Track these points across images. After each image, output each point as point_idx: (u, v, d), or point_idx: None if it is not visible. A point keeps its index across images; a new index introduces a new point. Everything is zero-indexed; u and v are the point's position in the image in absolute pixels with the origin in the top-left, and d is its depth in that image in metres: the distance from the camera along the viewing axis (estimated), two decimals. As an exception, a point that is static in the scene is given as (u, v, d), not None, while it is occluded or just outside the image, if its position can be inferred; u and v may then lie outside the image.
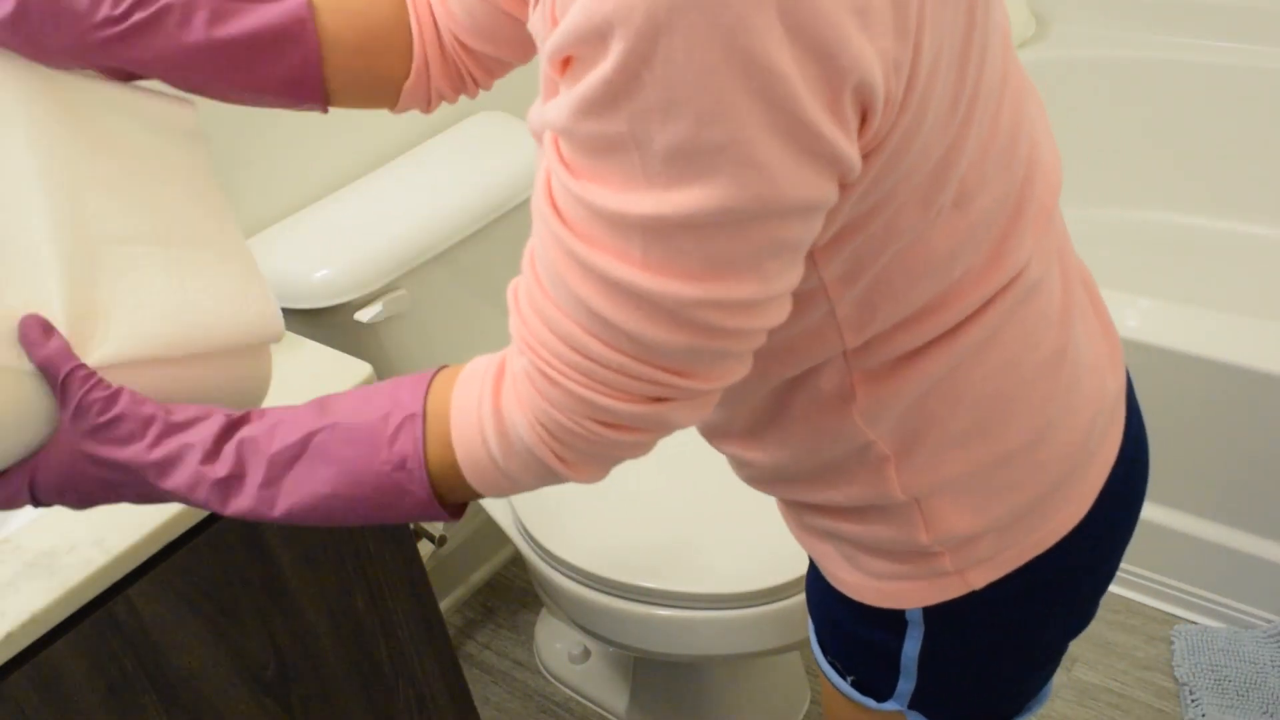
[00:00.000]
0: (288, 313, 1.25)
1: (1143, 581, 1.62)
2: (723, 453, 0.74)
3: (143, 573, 0.77)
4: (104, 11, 0.63)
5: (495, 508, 1.45)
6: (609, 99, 0.44)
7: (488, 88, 0.80)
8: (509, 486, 0.58)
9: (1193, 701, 1.47)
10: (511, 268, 1.43)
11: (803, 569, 1.22)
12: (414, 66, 0.74)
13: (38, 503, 0.62)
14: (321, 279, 1.24)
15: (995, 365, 0.63)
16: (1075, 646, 1.58)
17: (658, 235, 0.46)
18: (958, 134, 0.53)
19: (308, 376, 0.90)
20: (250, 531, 0.84)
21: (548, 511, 1.36)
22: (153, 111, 0.70)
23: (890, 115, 0.48)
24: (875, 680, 0.77)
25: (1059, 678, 1.54)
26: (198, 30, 0.66)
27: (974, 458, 0.65)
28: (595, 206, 0.47)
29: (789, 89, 0.43)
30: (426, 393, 0.58)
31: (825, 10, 0.42)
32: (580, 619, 1.34)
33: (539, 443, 0.54)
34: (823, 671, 0.82)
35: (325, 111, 0.73)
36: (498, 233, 1.39)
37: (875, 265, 0.56)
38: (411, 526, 1.02)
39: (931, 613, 0.71)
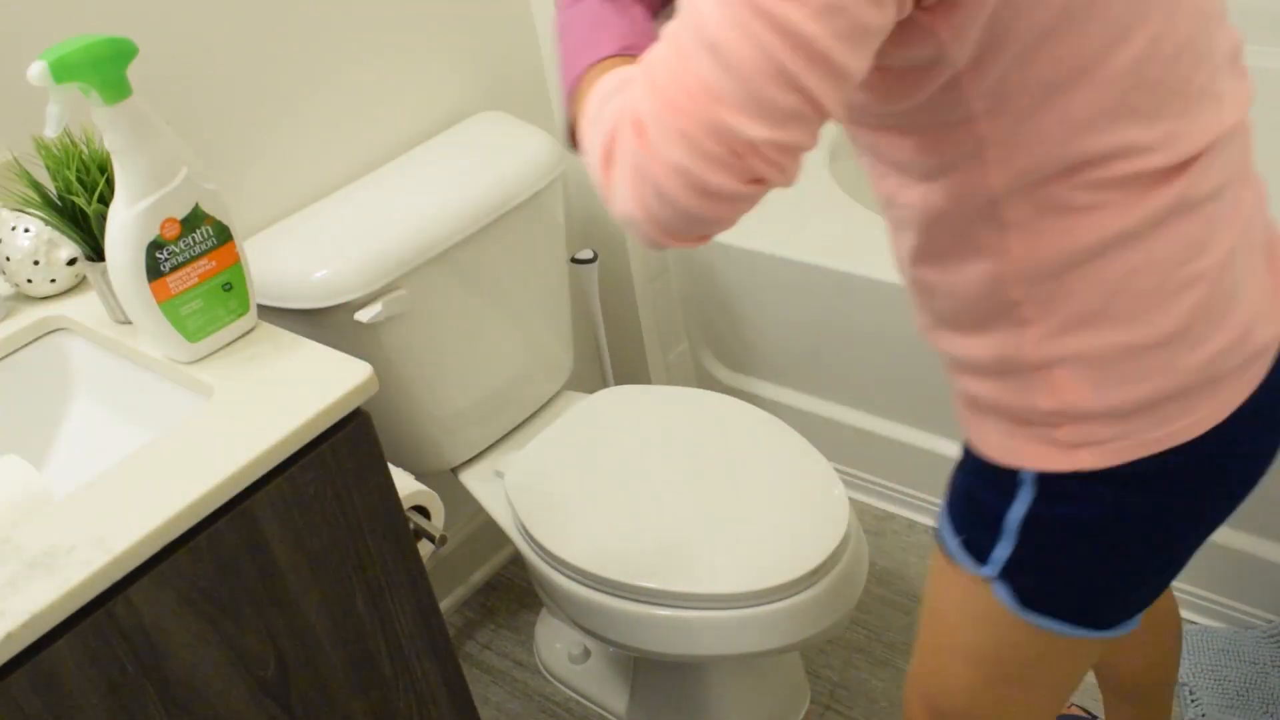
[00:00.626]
0: (288, 313, 1.25)
1: (1143, 581, 1.62)
2: (918, 280, 0.80)
3: (143, 573, 0.77)
4: None
5: (495, 507, 1.45)
6: None
7: None
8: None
9: (1193, 701, 1.48)
10: (512, 268, 1.43)
11: (803, 569, 1.22)
12: None
13: None
14: (321, 279, 1.24)
15: (1141, 262, 0.68)
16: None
17: None
18: None
19: (308, 376, 0.90)
20: (250, 531, 0.84)
21: (548, 511, 1.36)
22: None
23: None
24: (979, 538, 0.81)
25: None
26: None
27: (1102, 342, 0.70)
28: None
29: None
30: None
31: None
32: (580, 619, 1.34)
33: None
34: (939, 537, 0.87)
35: None
36: (498, 233, 1.39)
37: (1021, 92, 0.64)
38: (411, 526, 1.02)
39: (1042, 480, 0.76)
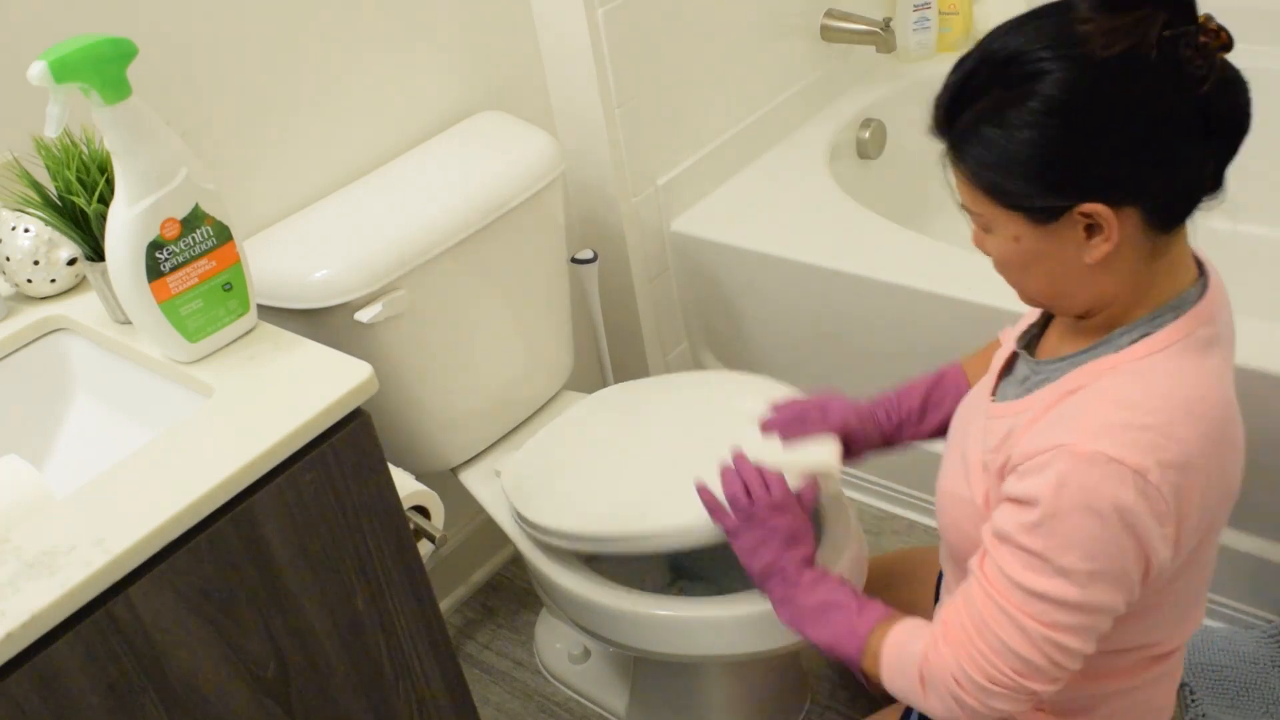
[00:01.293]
0: (288, 313, 1.25)
1: (1143, 581, 1.62)
2: None
3: (143, 573, 0.77)
4: (897, 420, 1.23)
5: (495, 507, 1.45)
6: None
7: None
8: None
9: (1193, 701, 1.47)
10: (511, 267, 1.43)
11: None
12: None
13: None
14: (321, 279, 1.24)
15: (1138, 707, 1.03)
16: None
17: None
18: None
19: (308, 376, 0.90)
20: (250, 531, 0.84)
21: (538, 493, 1.35)
22: None
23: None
24: None
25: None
26: (930, 424, 1.21)
27: None
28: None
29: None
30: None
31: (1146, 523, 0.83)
32: (580, 619, 1.34)
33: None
34: None
35: None
36: (498, 233, 1.39)
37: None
38: (411, 526, 1.02)
39: None
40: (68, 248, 1.05)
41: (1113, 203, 0.80)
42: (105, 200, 0.94)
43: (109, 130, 0.85)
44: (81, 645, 0.75)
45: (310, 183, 1.38)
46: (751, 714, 1.49)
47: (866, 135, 2.07)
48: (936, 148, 0.88)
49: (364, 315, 1.25)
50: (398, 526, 0.96)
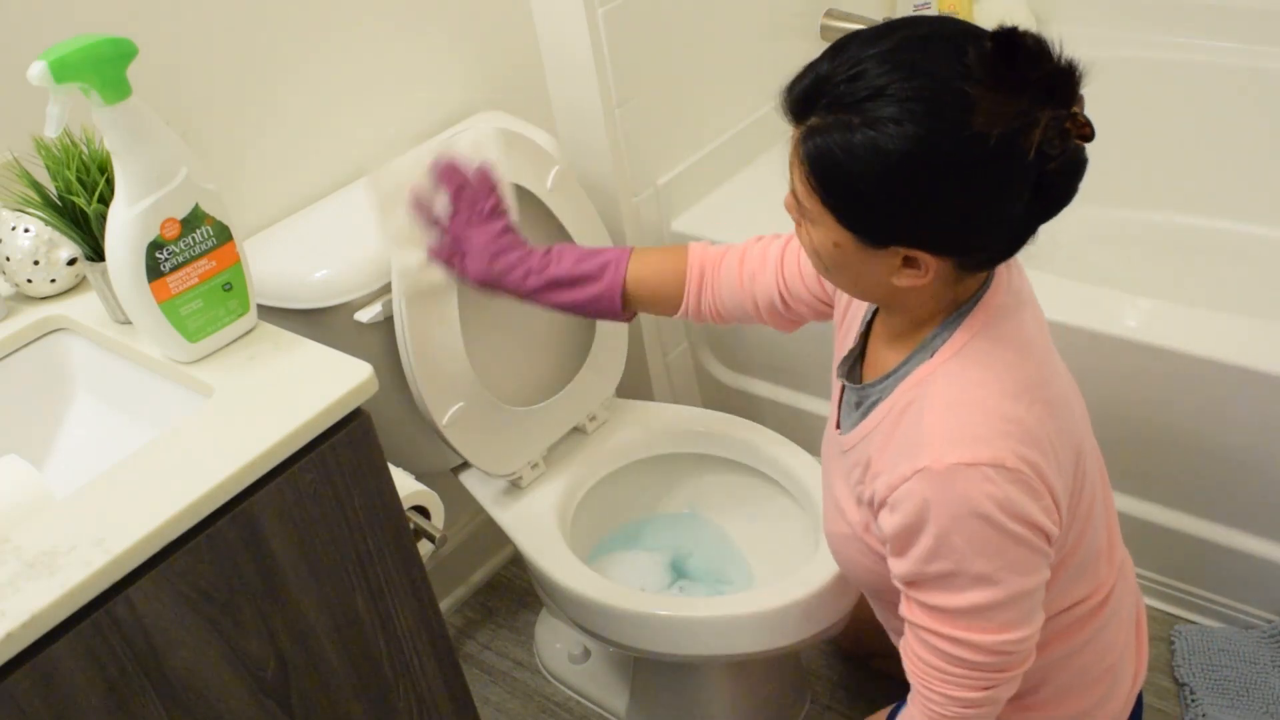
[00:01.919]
0: (288, 313, 1.25)
1: (1143, 582, 1.62)
2: None
3: (143, 573, 0.77)
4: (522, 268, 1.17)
5: (495, 508, 1.45)
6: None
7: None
8: None
9: (1192, 701, 1.47)
10: (511, 268, 1.42)
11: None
12: (680, 310, 1.20)
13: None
14: (321, 279, 1.24)
15: (1093, 651, 1.06)
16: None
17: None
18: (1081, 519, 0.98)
19: (308, 376, 0.90)
20: (250, 531, 0.84)
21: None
22: None
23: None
24: None
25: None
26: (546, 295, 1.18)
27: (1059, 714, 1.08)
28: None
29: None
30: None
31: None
32: (579, 619, 1.34)
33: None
34: None
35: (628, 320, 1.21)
36: (498, 233, 1.38)
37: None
38: (411, 526, 1.02)
39: None
40: (68, 248, 1.05)
41: (935, 253, 0.85)
42: (105, 200, 0.94)
43: (109, 130, 0.85)
44: (82, 645, 0.75)
45: (311, 183, 1.38)
46: (751, 714, 1.49)
47: (866, 135, 2.07)
48: None
49: (364, 315, 1.25)
50: (398, 526, 0.96)
